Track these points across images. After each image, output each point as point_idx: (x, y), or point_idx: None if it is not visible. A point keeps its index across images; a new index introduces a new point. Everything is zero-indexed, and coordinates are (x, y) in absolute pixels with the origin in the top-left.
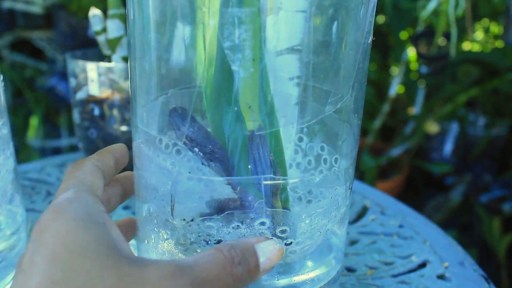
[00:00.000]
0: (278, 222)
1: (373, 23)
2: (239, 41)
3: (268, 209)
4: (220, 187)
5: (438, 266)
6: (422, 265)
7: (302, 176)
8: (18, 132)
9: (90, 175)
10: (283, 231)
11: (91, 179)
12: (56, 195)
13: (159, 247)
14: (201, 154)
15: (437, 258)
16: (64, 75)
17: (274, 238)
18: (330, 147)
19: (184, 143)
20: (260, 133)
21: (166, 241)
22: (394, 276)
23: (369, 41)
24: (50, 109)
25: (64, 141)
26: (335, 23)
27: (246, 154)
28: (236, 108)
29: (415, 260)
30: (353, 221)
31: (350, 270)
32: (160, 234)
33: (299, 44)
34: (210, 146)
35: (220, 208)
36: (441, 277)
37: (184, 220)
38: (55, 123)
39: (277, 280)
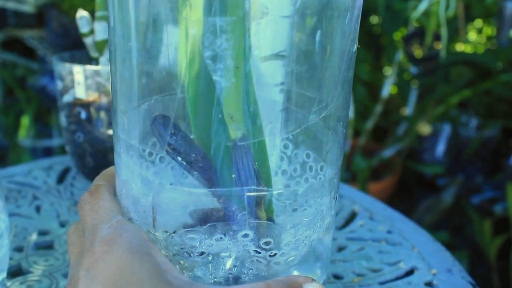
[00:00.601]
0: (262, 233)
1: (358, 30)
2: (220, 50)
3: (252, 221)
4: (204, 197)
5: (426, 273)
6: (410, 272)
7: (287, 184)
8: (9, 131)
9: (112, 203)
10: (267, 243)
11: (116, 207)
12: (91, 225)
13: None
14: (184, 163)
15: (425, 265)
16: None
17: (319, 282)
18: (316, 154)
19: (167, 152)
20: (244, 142)
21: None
22: (382, 283)
23: (354, 49)
24: (42, 108)
25: (56, 141)
26: (320, 28)
27: (230, 163)
28: (220, 116)
29: (403, 267)
30: (341, 227)
31: (337, 277)
32: None
33: (284, 50)
34: (193, 155)
35: (203, 219)
36: (428, 284)
37: (166, 232)
38: (46, 122)
39: None
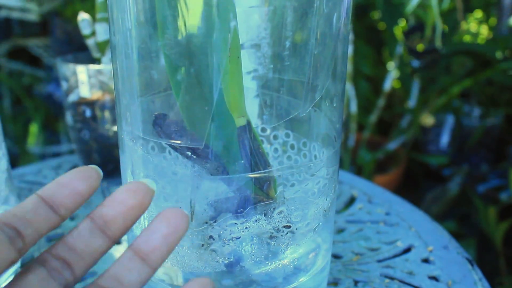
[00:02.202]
0: (291, 208)
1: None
2: (258, 39)
3: (265, 199)
4: (230, 184)
5: (423, 250)
6: (407, 250)
7: (287, 163)
8: (18, 139)
9: None
10: (297, 216)
11: None
12: None
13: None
14: (194, 156)
15: (422, 243)
16: None
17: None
18: (296, 133)
19: (173, 148)
20: (249, 128)
21: (181, 247)
22: (380, 261)
23: (336, 31)
24: (49, 115)
25: (64, 147)
26: (290, 15)
27: (237, 150)
28: (222, 106)
29: (400, 245)
30: (340, 210)
31: (336, 256)
32: None
33: (253, 38)
34: (200, 148)
35: (226, 207)
36: (425, 260)
37: (206, 223)
38: (54, 129)
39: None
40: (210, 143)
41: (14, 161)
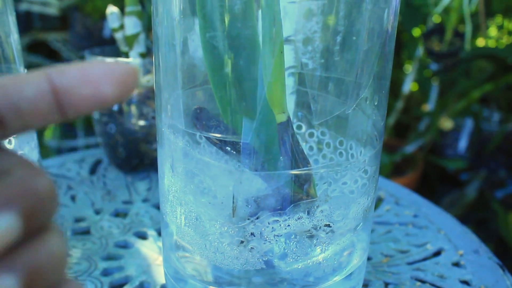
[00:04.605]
0: (333, 207)
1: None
2: (310, 33)
3: (326, 196)
4: (275, 181)
5: (453, 254)
6: (437, 253)
7: (327, 163)
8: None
9: None
10: (339, 214)
11: None
12: None
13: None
14: (234, 152)
15: (452, 246)
16: None
17: None
18: (333, 131)
19: (213, 143)
20: (290, 124)
21: (220, 243)
22: (410, 263)
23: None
24: None
25: (81, 141)
26: (343, 9)
27: (278, 146)
28: (264, 102)
29: (430, 248)
30: None
31: None
32: (214, 237)
33: (292, 34)
34: (240, 143)
35: (267, 204)
36: (456, 264)
37: (248, 219)
38: (71, 123)
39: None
40: (252, 139)
41: None
